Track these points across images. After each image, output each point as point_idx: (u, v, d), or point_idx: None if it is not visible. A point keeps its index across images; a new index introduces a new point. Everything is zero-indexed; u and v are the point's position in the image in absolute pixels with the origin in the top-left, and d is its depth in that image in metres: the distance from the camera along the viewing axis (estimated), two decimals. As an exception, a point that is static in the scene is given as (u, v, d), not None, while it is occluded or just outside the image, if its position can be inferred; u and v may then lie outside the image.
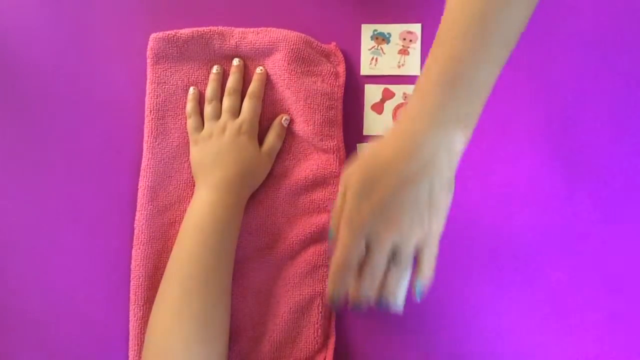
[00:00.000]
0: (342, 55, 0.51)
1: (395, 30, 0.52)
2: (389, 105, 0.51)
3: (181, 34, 0.51)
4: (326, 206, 0.49)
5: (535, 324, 0.48)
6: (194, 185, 0.50)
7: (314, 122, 0.49)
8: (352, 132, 0.51)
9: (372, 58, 0.52)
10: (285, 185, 0.50)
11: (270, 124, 0.51)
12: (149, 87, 0.51)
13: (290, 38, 0.50)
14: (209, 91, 0.51)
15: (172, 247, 0.47)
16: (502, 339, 0.48)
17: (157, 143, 0.51)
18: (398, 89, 0.51)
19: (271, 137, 0.50)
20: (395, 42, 0.52)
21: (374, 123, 0.51)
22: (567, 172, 0.50)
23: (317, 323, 0.48)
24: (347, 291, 0.40)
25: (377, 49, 0.52)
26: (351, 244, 0.38)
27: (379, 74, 0.52)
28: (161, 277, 0.46)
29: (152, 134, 0.51)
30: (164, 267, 0.46)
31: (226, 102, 0.50)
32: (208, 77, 0.51)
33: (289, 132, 0.51)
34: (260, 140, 0.50)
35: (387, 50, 0.52)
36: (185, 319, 0.42)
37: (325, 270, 0.49)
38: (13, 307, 0.51)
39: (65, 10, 0.54)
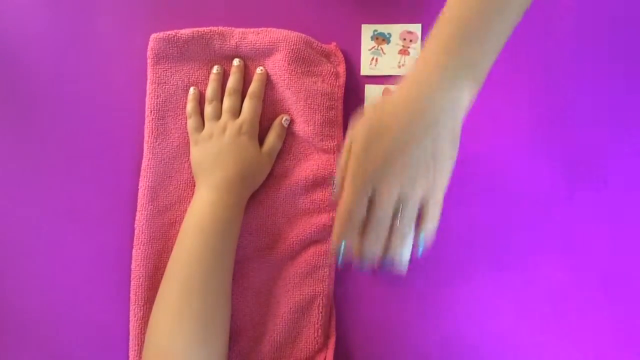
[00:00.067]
0: (342, 56, 0.51)
1: (395, 30, 0.52)
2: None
3: (181, 34, 0.51)
4: (326, 206, 0.49)
5: (535, 324, 0.48)
6: (194, 186, 0.50)
7: (314, 123, 0.49)
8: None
9: (373, 58, 0.52)
10: (286, 185, 0.50)
11: (271, 124, 0.51)
12: (149, 87, 0.51)
13: (290, 38, 0.50)
14: (210, 91, 0.51)
15: (172, 248, 0.47)
16: (502, 339, 0.48)
17: (157, 143, 0.51)
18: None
19: (271, 138, 0.50)
20: (396, 42, 0.52)
21: None
22: (567, 172, 0.50)
23: (318, 323, 0.48)
24: (351, 248, 0.40)
25: (377, 49, 0.52)
26: (356, 196, 0.39)
27: (379, 74, 0.52)
28: (161, 277, 0.46)
29: (152, 134, 0.51)
30: (164, 267, 0.46)
31: (226, 102, 0.50)
32: (208, 77, 0.51)
33: (289, 133, 0.51)
34: (261, 141, 0.50)
35: (388, 51, 0.52)
36: (185, 319, 0.42)
37: (325, 270, 0.49)
38: (13, 307, 0.51)
39: (65, 11, 0.54)
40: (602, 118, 0.50)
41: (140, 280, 0.49)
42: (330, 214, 0.49)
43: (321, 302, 0.48)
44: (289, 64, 0.49)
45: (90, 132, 0.52)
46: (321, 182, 0.50)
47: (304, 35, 0.50)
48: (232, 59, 0.51)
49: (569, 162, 0.50)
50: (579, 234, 0.49)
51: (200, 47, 0.51)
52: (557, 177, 0.50)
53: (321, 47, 0.51)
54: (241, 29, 0.51)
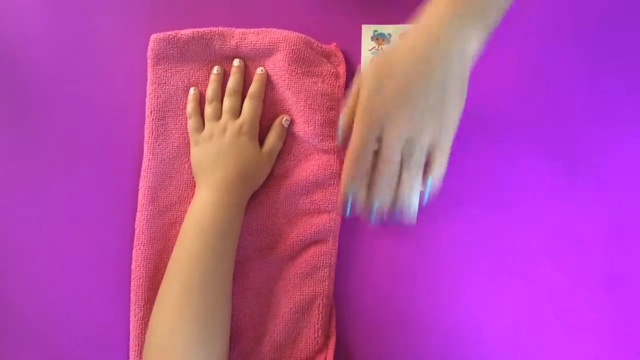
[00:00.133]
0: (342, 56, 0.51)
1: (395, 30, 0.52)
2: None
3: (182, 34, 0.51)
4: (326, 207, 0.49)
5: (535, 324, 0.48)
6: (194, 186, 0.50)
7: (315, 123, 0.49)
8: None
9: (373, 59, 0.52)
10: (286, 185, 0.50)
11: (271, 125, 0.51)
12: (149, 88, 0.51)
13: (290, 39, 0.50)
14: (210, 92, 0.51)
15: (172, 248, 0.47)
16: (502, 339, 0.48)
17: (157, 144, 0.51)
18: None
19: (272, 138, 0.50)
20: (396, 43, 0.52)
21: None
22: (567, 172, 0.50)
23: (318, 323, 0.48)
24: (359, 198, 0.41)
25: (377, 49, 0.52)
26: (364, 137, 0.39)
27: None
28: (162, 277, 0.46)
29: (152, 134, 0.51)
30: (165, 267, 0.46)
31: (227, 102, 0.50)
32: (208, 77, 0.51)
33: (289, 133, 0.51)
34: (261, 141, 0.50)
35: None
36: (186, 319, 0.42)
37: (325, 270, 0.49)
38: (13, 307, 0.50)
39: (65, 11, 0.54)
40: (603, 117, 0.50)
41: (141, 280, 0.49)
42: (330, 214, 0.49)
43: (321, 302, 0.48)
44: (289, 64, 0.49)
45: (90, 132, 0.52)
46: (321, 182, 0.50)
47: (304, 35, 0.50)
48: (233, 60, 0.51)
49: (569, 161, 0.50)
50: (579, 234, 0.49)
51: (201, 47, 0.51)
52: (557, 176, 0.50)
53: (321, 47, 0.51)
54: (241, 30, 0.51)
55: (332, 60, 0.51)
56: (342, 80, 0.51)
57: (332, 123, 0.50)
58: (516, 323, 0.48)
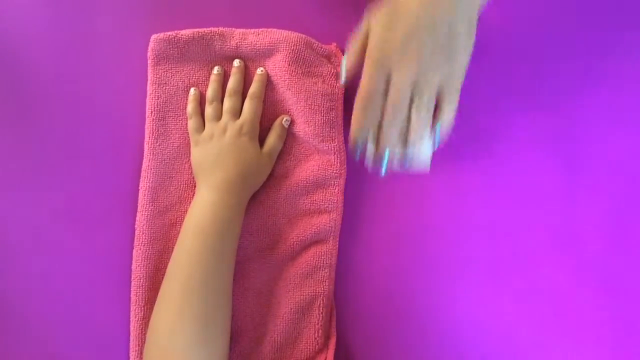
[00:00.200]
0: (342, 56, 0.51)
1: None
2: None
3: (182, 34, 0.51)
4: (327, 207, 0.49)
5: (535, 324, 0.48)
6: (194, 186, 0.51)
7: (315, 123, 0.49)
8: (352, 133, 0.51)
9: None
10: (286, 186, 0.50)
11: (271, 125, 0.51)
12: (149, 88, 0.51)
13: (290, 39, 0.50)
14: (210, 92, 0.51)
15: (173, 248, 0.47)
16: (502, 339, 0.49)
17: (158, 144, 0.51)
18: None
19: (272, 138, 0.50)
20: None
21: None
22: (567, 172, 0.50)
23: (318, 324, 0.48)
24: (369, 142, 0.41)
25: None
26: (374, 80, 0.39)
27: None
28: (162, 277, 0.46)
29: (153, 134, 0.51)
30: (165, 267, 0.46)
31: (227, 103, 0.50)
32: (209, 78, 0.51)
33: (289, 133, 0.51)
34: (261, 141, 0.50)
35: None
36: (186, 319, 0.42)
37: (326, 271, 0.49)
38: (13, 307, 0.50)
39: (65, 11, 0.54)
40: (603, 118, 0.50)
41: (141, 280, 0.49)
42: (331, 215, 0.49)
43: (322, 302, 0.48)
44: (289, 64, 0.49)
45: (90, 132, 0.52)
46: (322, 183, 0.50)
47: (304, 36, 0.50)
48: (233, 60, 0.51)
49: (569, 161, 0.50)
50: (579, 234, 0.49)
51: (201, 47, 0.51)
52: (557, 177, 0.50)
53: (322, 47, 0.51)
54: (241, 30, 0.51)
55: (332, 60, 0.51)
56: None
57: (332, 123, 0.50)
58: (516, 323, 0.48)
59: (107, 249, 0.51)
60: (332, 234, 0.49)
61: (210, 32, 0.51)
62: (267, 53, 0.51)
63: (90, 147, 0.52)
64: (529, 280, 0.49)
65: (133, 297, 0.49)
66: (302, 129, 0.50)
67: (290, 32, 0.50)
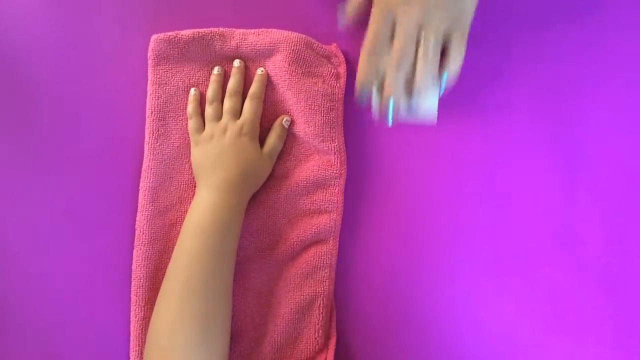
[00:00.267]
0: (343, 57, 0.51)
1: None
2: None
3: (182, 35, 0.51)
4: (327, 207, 0.50)
5: (535, 324, 0.48)
6: (195, 186, 0.51)
7: (315, 124, 0.49)
8: (353, 134, 0.51)
9: None
10: (286, 186, 0.50)
11: (271, 125, 0.51)
12: (150, 88, 0.51)
13: (291, 39, 0.50)
14: (210, 92, 0.50)
15: (173, 248, 0.47)
16: (502, 339, 0.49)
17: (158, 144, 0.51)
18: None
19: (272, 138, 0.50)
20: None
21: None
22: (567, 172, 0.50)
23: (318, 324, 0.48)
24: (375, 91, 0.40)
25: None
26: (380, 25, 0.39)
27: None
28: (162, 278, 0.46)
29: (153, 135, 0.51)
30: (165, 268, 0.46)
31: (227, 103, 0.50)
32: (209, 78, 0.51)
33: (289, 134, 0.51)
34: (261, 142, 0.50)
35: None
36: (186, 319, 0.42)
37: (326, 271, 0.49)
38: (13, 307, 0.50)
39: (65, 11, 0.54)
40: (603, 118, 0.50)
41: (141, 280, 0.49)
42: (331, 215, 0.49)
43: (322, 302, 0.48)
44: (289, 65, 0.49)
45: (90, 132, 0.52)
46: (322, 183, 0.50)
47: (304, 36, 0.50)
48: (233, 60, 0.51)
49: (569, 162, 0.50)
50: (579, 234, 0.49)
51: (201, 48, 0.51)
52: (557, 177, 0.50)
53: (322, 48, 0.51)
54: (241, 30, 0.51)
55: (332, 60, 0.51)
56: (342, 80, 0.51)
57: (333, 123, 0.50)
58: (516, 323, 0.49)
59: (107, 249, 0.51)
60: (332, 234, 0.49)
61: (211, 33, 0.51)
62: (267, 53, 0.51)
63: (90, 147, 0.52)
64: (529, 280, 0.49)
65: (133, 297, 0.49)
66: (302, 129, 0.50)
67: (290, 32, 0.50)
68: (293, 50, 0.49)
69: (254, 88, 0.50)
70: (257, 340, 0.48)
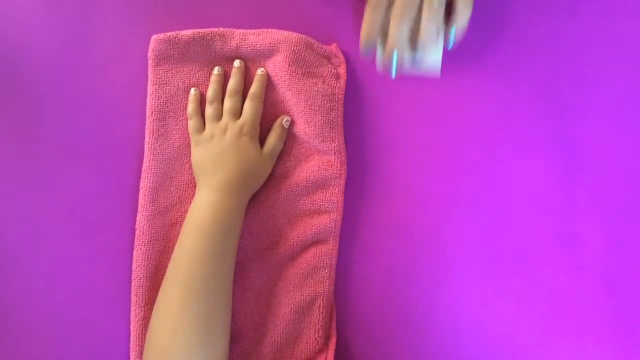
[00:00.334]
0: (343, 57, 0.51)
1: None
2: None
3: (182, 35, 0.51)
4: (327, 207, 0.50)
5: (535, 324, 0.48)
6: (195, 187, 0.51)
7: (315, 124, 0.49)
8: (353, 134, 0.51)
9: None
10: (286, 186, 0.50)
11: (271, 126, 0.51)
12: (150, 89, 0.51)
13: (291, 39, 0.50)
14: (210, 92, 0.50)
15: (173, 248, 0.47)
16: (502, 338, 0.49)
17: (158, 144, 0.51)
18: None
19: (272, 139, 0.50)
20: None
21: None
22: (567, 172, 0.50)
23: (318, 324, 0.48)
24: (379, 42, 0.39)
25: None
26: None
27: None
28: (162, 278, 0.46)
29: (153, 135, 0.51)
30: (165, 268, 0.46)
31: (227, 103, 0.50)
32: (209, 78, 0.51)
33: (289, 134, 0.51)
34: (261, 142, 0.50)
35: None
36: (186, 319, 0.42)
37: (326, 271, 0.49)
38: (13, 308, 0.50)
39: (65, 11, 0.54)
40: (603, 118, 0.50)
41: (141, 281, 0.49)
42: (331, 215, 0.49)
43: (322, 303, 0.48)
44: (289, 65, 0.49)
45: (90, 133, 0.52)
46: (322, 183, 0.50)
47: (304, 36, 0.50)
48: (233, 60, 0.51)
49: (569, 162, 0.50)
50: (579, 234, 0.49)
51: (201, 48, 0.51)
52: (557, 177, 0.50)
53: (322, 48, 0.51)
54: (242, 30, 0.51)
55: (332, 61, 0.51)
56: (342, 81, 0.51)
57: (332, 124, 0.50)
58: (516, 323, 0.49)
59: (107, 249, 0.51)
60: (332, 234, 0.49)
61: (211, 33, 0.51)
62: (267, 53, 0.51)
63: (90, 147, 0.52)
64: (529, 280, 0.49)
65: (133, 298, 0.49)
66: (303, 129, 0.50)
67: (290, 32, 0.50)
68: (293, 50, 0.49)
69: (254, 88, 0.50)
70: (257, 340, 0.48)
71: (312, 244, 0.49)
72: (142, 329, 0.48)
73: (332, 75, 0.51)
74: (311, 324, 0.48)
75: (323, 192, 0.50)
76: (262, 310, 0.49)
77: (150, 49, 0.51)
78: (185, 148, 0.51)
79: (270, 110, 0.51)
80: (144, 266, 0.49)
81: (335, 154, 0.50)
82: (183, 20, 0.52)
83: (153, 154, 0.50)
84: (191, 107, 0.51)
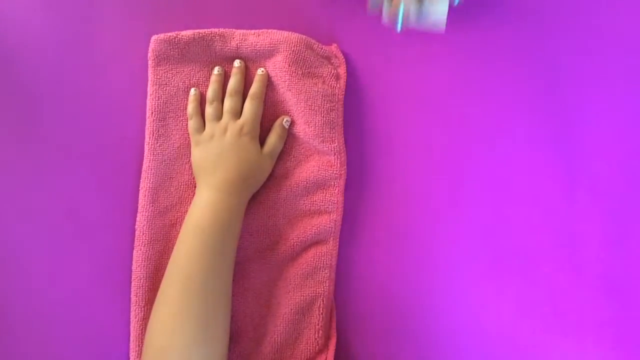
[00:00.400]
0: (343, 57, 0.51)
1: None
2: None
3: (182, 35, 0.51)
4: (327, 207, 0.49)
5: (535, 324, 0.48)
6: (195, 187, 0.50)
7: (315, 124, 0.49)
8: (353, 134, 0.51)
9: None
10: (286, 186, 0.50)
11: (271, 126, 0.51)
12: (150, 89, 0.51)
13: (291, 40, 0.50)
14: (210, 92, 0.50)
15: (173, 248, 0.47)
16: (502, 338, 0.49)
17: (158, 144, 0.51)
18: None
19: (272, 139, 0.50)
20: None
21: None
22: (567, 172, 0.50)
23: (318, 324, 0.48)
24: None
25: None
26: None
27: None
28: (162, 278, 0.46)
29: (153, 135, 0.51)
30: (165, 268, 0.46)
31: (227, 103, 0.50)
32: (209, 78, 0.51)
33: (290, 134, 0.51)
34: (261, 142, 0.50)
35: None
36: (185, 319, 0.42)
37: (326, 271, 0.49)
38: (13, 308, 0.50)
39: (65, 11, 0.54)
40: (603, 118, 0.50)
41: (141, 281, 0.49)
42: (331, 215, 0.49)
43: (322, 303, 0.48)
44: (289, 65, 0.49)
45: (90, 133, 0.52)
46: (322, 183, 0.50)
47: (304, 36, 0.50)
48: (233, 60, 0.51)
49: (569, 162, 0.50)
50: (579, 234, 0.49)
51: (201, 48, 0.51)
52: (557, 177, 0.50)
53: (322, 48, 0.51)
54: (242, 31, 0.51)
55: (332, 61, 0.51)
56: (342, 81, 0.51)
57: (333, 124, 0.50)
58: (516, 323, 0.49)
59: (107, 249, 0.51)
60: (332, 234, 0.49)
61: (211, 33, 0.51)
62: (267, 54, 0.51)
63: (91, 148, 0.52)
64: (529, 280, 0.49)
65: (133, 298, 0.49)
66: (303, 129, 0.50)
67: (290, 32, 0.50)
68: (293, 50, 0.49)
69: (254, 88, 0.50)
70: (257, 340, 0.48)
71: (312, 244, 0.49)
72: (142, 329, 0.48)
73: (332, 75, 0.51)
74: (311, 324, 0.48)
75: (323, 193, 0.50)
76: (262, 310, 0.49)
77: (150, 50, 0.51)
78: (185, 148, 0.51)
79: (270, 111, 0.51)
80: (144, 266, 0.49)
81: (335, 154, 0.50)
82: (183, 21, 0.52)
83: (153, 154, 0.50)
84: (191, 107, 0.51)
